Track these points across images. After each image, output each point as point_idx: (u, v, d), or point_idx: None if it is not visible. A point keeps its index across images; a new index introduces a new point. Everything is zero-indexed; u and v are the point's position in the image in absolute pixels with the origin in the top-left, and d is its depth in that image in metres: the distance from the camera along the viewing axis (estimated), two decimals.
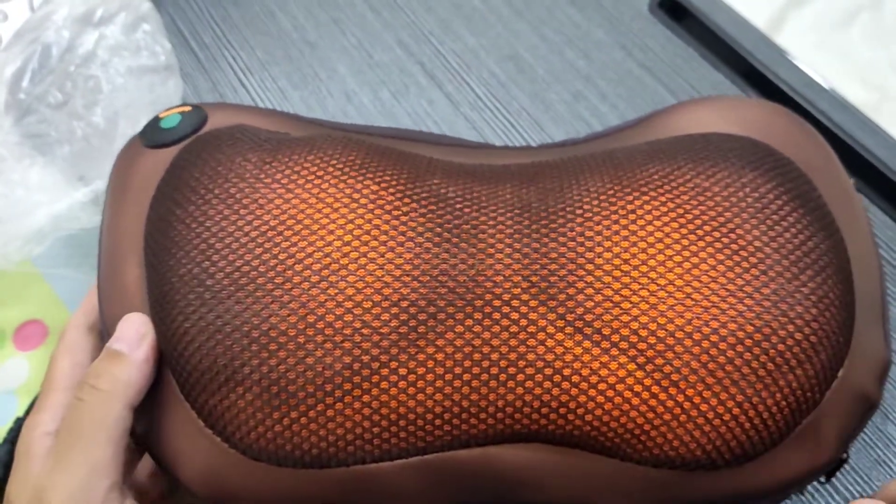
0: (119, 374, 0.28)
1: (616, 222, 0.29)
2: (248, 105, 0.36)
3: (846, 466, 0.38)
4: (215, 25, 0.54)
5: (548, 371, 0.27)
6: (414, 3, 0.54)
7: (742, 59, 0.50)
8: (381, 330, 0.27)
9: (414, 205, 0.30)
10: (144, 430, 0.29)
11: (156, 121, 0.34)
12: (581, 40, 0.53)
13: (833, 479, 0.38)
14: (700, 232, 0.28)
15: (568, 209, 0.29)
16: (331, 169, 0.30)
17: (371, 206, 0.29)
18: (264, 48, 0.53)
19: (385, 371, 0.27)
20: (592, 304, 0.28)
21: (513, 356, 0.28)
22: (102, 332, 0.31)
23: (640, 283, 0.28)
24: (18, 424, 0.41)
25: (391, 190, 0.30)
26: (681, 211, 0.29)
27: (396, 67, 0.52)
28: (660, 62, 0.51)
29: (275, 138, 0.32)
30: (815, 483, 0.38)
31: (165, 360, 0.29)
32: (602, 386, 0.27)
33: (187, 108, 0.34)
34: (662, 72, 0.51)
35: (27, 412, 0.41)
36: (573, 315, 0.28)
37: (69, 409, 0.28)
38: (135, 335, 0.29)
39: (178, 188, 0.30)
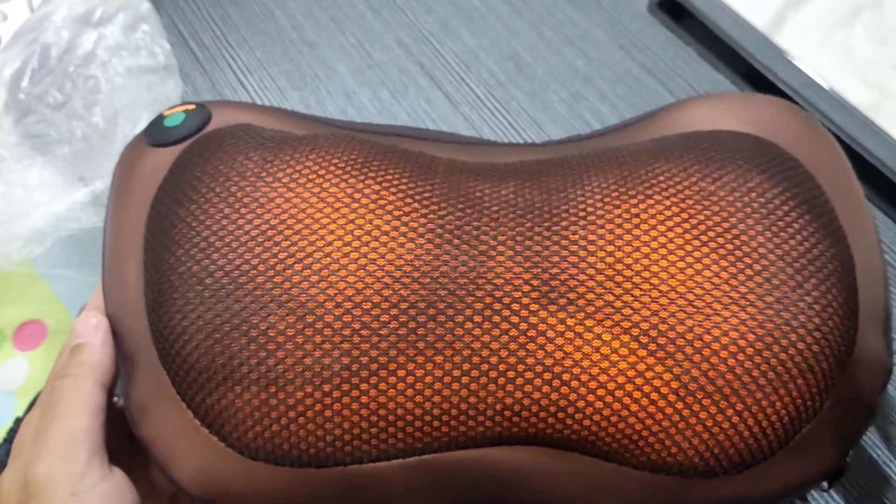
0: (84, 359, 0.30)
1: (620, 226, 0.29)
2: (251, 103, 0.36)
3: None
4: (214, 25, 0.54)
5: (546, 375, 0.27)
6: (413, 3, 0.54)
7: (742, 59, 0.50)
8: (381, 331, 0.27)
9: (416, 205, 0.29)
10: (141, 429, 0.29)
11: (160, 119, 0.34)
12: (580, 40, 0.53)
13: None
14: (704, 238, 0.28)
15: (571, 210, 0.29)
16: (332, 168, 0.30)
17: (372, 205, 0.29)
18: (263, 48, 0.53)
19: (384, 372, 0.27)
20: (593, 309, 0.27)
21: (512, 359, 0.27)
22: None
23: (641, 290, 0.27)
24: (18, 424, 0.41)
25: (392, 189, 0.30)
26: (685, 216, 0.29)
27: (396, 67, 0.52)
28: (659, 62, 0.51)
29: (277, 137, 0.32)
30: (816, 490, 0.38)
31: (162, 359, 0.29)
32: (601, 391, 0.27)
33: (191, 107, 0.34)
34: (662, 72, 0.51)
35: (27, 412, 0.41)
36: (574, 320, 0.27)
37: (45, 397, 0.30)
38: (89, 327, 0.30)
39: (180, 187, 0.30)
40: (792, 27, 0.51)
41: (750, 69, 0.50)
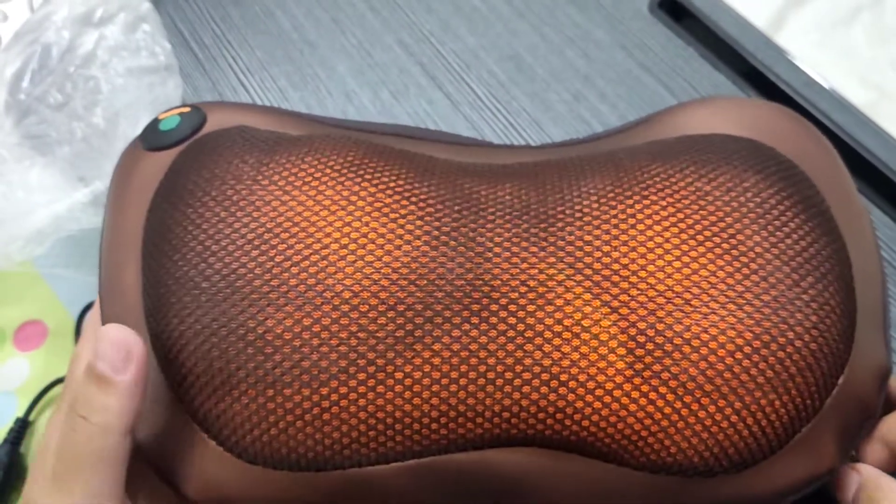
0: (110, 405, 0.26)
1: (616, 227, 0.29)
2: (247, 103, 0.36)
3: None
4: (215, 25, 0.54)
5: (544, 376, 0.27)
6: (414, 3, 0.54)
7: (742, 59, 0.50)
8: (377, 333, 0.27)
9: (412, 207, 0.29)
10: (141, 435, 0.29)
11: (155, 123, 0.34)
12: (581, 40, 0.52)
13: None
14: (700, 238, 0.28)
15: (567, 212, 0.29)
16: (328, 171, 0.30)
17: (368, 208, 0.29)
18: (264, 48, 0.53)
19: (381, 374, 0.27)
20: (591, 309, 0.27)
21: (510, 360, 0.27)
22: None
23: (638, 289, 0.27)
24: (18, 425, 0.41)
25: (389, 192, 0.30)
26: (681, 216, 0.29)
27: (396, 67, 0.52)
28: (660, 62, 0.51)
29: (272, 138, 0.32)
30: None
31: (161, 364, 0.29)
32: (599, 392, 0.27)
33: (186, 109, 0.34)
34: (662, 72, 0.51)
35: (27, 412, 0.41)
36: (571, 321, 0.27)
37: (63, 436, 0.26)
38: (117, 354, 0.26)
39: (176, 191, 0.30)
40: (792, 27, 0.51)
41: (750, 69, 0.50)
